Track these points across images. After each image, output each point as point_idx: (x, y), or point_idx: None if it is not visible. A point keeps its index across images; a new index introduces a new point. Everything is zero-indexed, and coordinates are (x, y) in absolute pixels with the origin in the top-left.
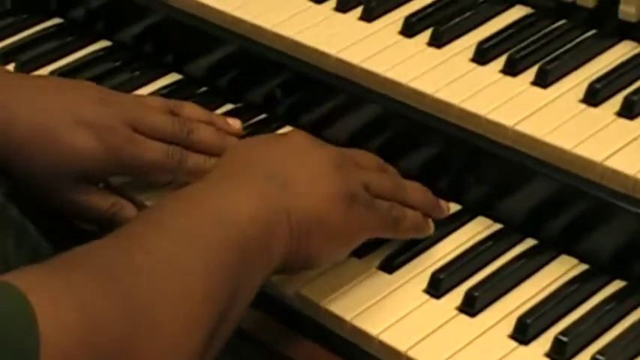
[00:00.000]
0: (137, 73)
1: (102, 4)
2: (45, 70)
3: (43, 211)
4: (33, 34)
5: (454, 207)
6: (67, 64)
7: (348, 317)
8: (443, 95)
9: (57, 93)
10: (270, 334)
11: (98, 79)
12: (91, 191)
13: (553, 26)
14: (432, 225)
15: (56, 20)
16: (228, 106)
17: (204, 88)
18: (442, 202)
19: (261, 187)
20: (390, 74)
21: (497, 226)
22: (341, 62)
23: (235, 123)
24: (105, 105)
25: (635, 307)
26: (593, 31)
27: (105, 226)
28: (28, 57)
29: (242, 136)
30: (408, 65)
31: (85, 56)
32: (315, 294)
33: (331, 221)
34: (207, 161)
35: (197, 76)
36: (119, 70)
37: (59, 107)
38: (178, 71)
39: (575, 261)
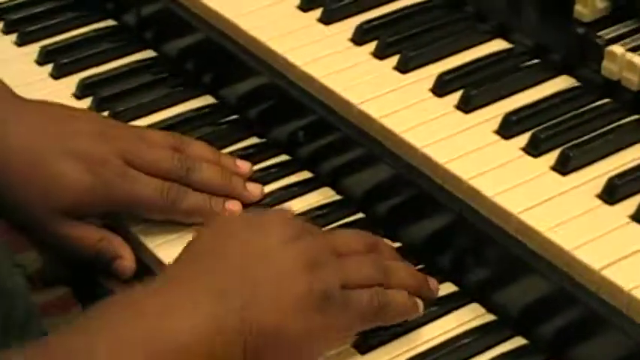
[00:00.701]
0: (174, 89)
1: (152, 13)
2: (84, 74)
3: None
4: (83, 33)
5: (449, 288)
6: (107, 71)
7: None
8: (454, 167)
9: (55, 123)
10: None
11: (135, 90)
12: (77, 225)
13: (592, 105)
14: (420, 305)
15: (110, 22)
16: (254, 140)
17: (234, 117)
18: (432, 282)
19: (213, 301)
20: (408, 135)
21: (490, 317)
22: (362, 114)
23: (244, 166)
24: (101, 138)
25: None
26: (634, 117)
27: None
28: (70, 57)
29: (254, 179)
30: (429, 127)
31: (128, 64)
32: None
33: (292, 334)
34: (208, 201)
35: (230, 103)
36: (158, 84)
37: (53, 137)
38: (214, 94)
39: None
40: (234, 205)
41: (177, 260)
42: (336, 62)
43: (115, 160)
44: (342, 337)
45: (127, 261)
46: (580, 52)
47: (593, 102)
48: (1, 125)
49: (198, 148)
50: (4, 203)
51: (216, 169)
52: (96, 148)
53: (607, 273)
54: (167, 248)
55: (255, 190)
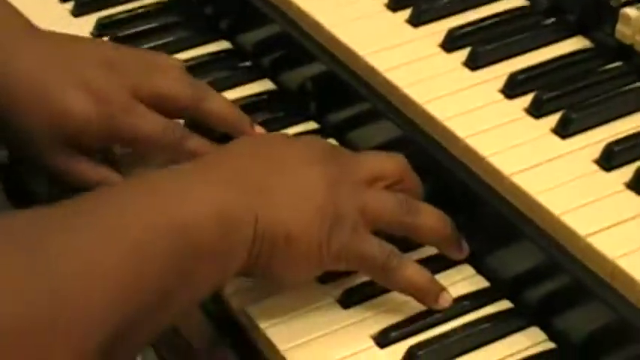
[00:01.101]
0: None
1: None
2: (102, 14)
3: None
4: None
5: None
6: (125, 11)
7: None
8: (452, 124)
9: (64, 51)
10: None
11: (151, 32)
12: (80, 159)
13: (602, 68)
14: (446, 298)
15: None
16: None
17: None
18: (463, 243)
19: (233, 190)
20: (411, 91)
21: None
22: (368, 67)
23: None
24: (110, 68)
25: None
26: None
27: None
28: None
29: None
30: (433, 83)
31: (146, 5)
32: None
33: (303, 240)
34: (211, 145)
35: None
36: (175, 26)
37: (61, 66)
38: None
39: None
40: None
41: (204, 156)
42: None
43: (120, 92)
44: (338, 267)
45: None
46: (595, 13)
47: (604, 65)
48: (10, 51)
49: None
50: (7, 129)
51: (230, 103)
52: (103, 79)
53: (593, 240)
54: None
55: (261, 130)
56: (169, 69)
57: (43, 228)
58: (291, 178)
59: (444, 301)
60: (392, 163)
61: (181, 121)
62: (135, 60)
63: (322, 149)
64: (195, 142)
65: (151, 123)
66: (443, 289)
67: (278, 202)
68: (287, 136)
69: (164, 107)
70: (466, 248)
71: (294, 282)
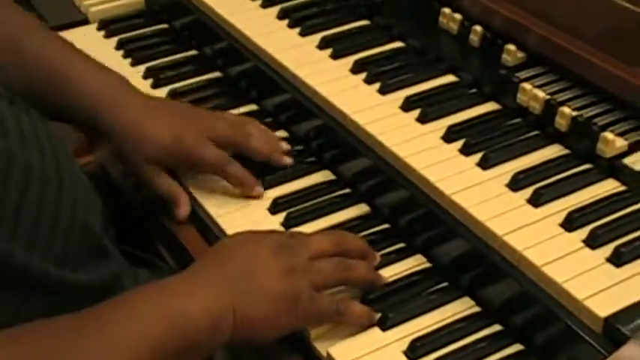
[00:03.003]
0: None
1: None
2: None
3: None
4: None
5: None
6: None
7: None
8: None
9: (153, 105)
10: None
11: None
12: (159, 174)
13: (509, 122)
14: (374, 317)
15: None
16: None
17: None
18: (379, 277)
19: (219, 291)
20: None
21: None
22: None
23: (284, 144)
24: (186, 115)
25: None
26: (535, 132)
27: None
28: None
29: None
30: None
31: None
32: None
33: (272, 318)
34: (244, 173)
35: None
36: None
37: (153, 112)
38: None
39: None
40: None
41: (198, 260)
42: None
43: (194, 129)
44: (308, 324)
45: (184, 210)
46: (503, 86)
47: (510, 120)
48: (117, 105)
49: (254, 126)
50: (121, 157)
51: (265, 141)
52: (180, 119)
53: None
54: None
55: (287, 160)
56: (226, 118)
57: (60, 334)
58: (259, 268)
59: (374, 320)
60: (328, 240)
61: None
62: (207, 113)
63: (278, 242)
64: (235, 169)
65: (210, 152)
66: (373, 314)
67: (251, 290)
68: (260, 232)
69: (221, 143)
70: (381, 280)
71: (270, 341)
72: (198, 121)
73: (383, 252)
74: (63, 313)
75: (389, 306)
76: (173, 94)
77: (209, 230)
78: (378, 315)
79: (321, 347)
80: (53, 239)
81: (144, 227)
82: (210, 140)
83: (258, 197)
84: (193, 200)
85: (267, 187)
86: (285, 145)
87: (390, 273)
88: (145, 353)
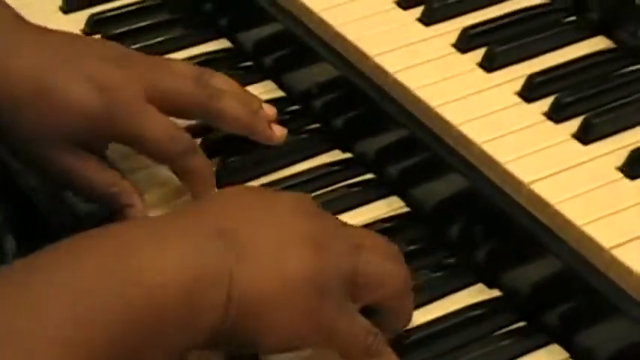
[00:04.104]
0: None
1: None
2: (94, 10)
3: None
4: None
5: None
6: (118, 7)
7: None
8: (467, 129)
9: (65, 44)
10: None
11: (147, 29)
12: (88, 160)
13: (625, 70)
14: None
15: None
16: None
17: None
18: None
19: (207, 248)
20: (423, 92)
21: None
22: (378, 67)
23: (270, 109)
24: (117, 63)
25: None
26: None
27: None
28: None
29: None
30: (448, 85)
31: (140, 1)
32: None
33: (284, 311)
34: (210, 168)
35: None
36: (172, 24)
37: (62, 60)
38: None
39: None
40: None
41: (184, 206)
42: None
43: (130, 87)
44: (318, 344)
45: (138, 209)
46: (618, 12)
47: (628, 67)
48: (6, 46)
49: (223, 80)
50: (8, 129)
51: (241, 101)
52: (110, 72)
53: (617, 252)
54: None
55: (279, 131)
56: (180, 68)
57: None
58: (276, 232)
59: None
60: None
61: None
62: (144, 57)
63: (311, 204)
64: (197, 160)
65: (159, 128)
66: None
67: (259, 263)
68: (274, 190)
69: (174, 107)
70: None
71: (272, 351)
72: (133, 70)
73: None
74: None
75: None
76: (96, 20)
77: None
78: None
79: None
80: None
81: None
82: (156, 104)
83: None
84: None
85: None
86: (270, 110)
87: None
88: (74, 348)
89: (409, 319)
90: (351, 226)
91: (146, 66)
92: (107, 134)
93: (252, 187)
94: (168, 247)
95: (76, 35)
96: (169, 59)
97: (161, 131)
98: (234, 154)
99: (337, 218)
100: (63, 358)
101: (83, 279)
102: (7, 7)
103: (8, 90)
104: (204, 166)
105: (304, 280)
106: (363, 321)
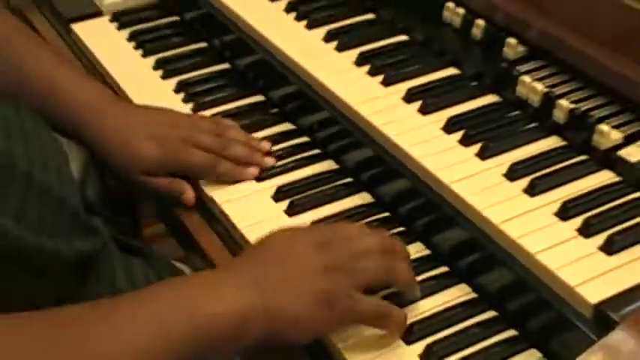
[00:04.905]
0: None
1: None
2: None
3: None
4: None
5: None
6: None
7: None
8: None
9: (141, 115)
10: None
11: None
12: (153, 179)
13: (509, 114)
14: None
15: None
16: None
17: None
18: (416, 289)
19: (248, 291)
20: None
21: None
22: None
23: (265, 144)
24: (170, 126)
25: None
26: (534, 124)
27: (166, 199)
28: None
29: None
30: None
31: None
32: None
33: (308, 319)
34: (235, 169)
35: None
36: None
37: (139, 124)
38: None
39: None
40: (254, 170)
41: (235, 257)
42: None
43: (177, 140)
44: (342, 326)
45: (190, 195)
46: (503, 79)
47: (509, 112)
48: (104, 114)
49: (234, 132)
50: (106, 165)
51: (244, 148)
52: (166, 132)
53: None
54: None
55: (269, 160)
56: (206, 127)
57: (88, 319)
58: (297, 265)
59: (417, 291)
60: (374, 239)
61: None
62: (188, 121)
63: (319, 238)
64: (225, 167)
65: (196, 156)
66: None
67: (284, 296)
68: (296, 227)
69: (204, 149)
70: (417, 290)
71: (304, 342)
72: (180, 131)
73: None
74: (40, 284)
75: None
76: (182, 85)
77: (214, 218)
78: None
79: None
80: (25, 205)
81: (139, 219)
82: (195, 147)
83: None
84: (199, 189)
85: (272, 176)
86: (266, 145)
87: None
88: (156, 353)
89: (409, 282)
90: (351, 236)
91: (186, 125)
92: (168, 168)
93: (284, 232)
94: (225, 294)
95: (147, 106)
96: (201, 119)
97: (198, 157)
98: None
99: (346, 235)
100: (153, 348)
101: (161, 318)
102: (105, 87)
103: (103, 144)
104: (230, 167)
105: (316, 294)
106: (369, 299)
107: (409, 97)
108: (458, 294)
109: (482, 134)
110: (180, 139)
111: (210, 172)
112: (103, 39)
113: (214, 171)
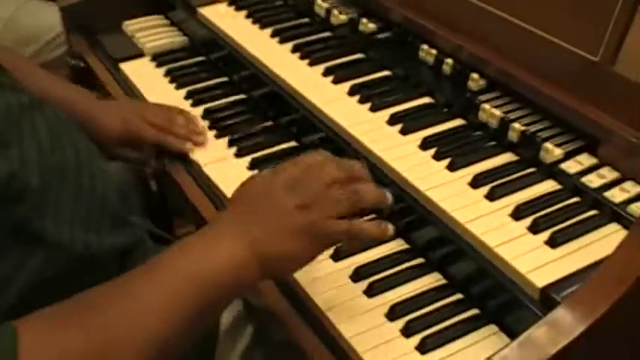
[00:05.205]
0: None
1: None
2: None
3: None
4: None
5: None
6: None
7: None
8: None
9: (115, 105)
10: None
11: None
12: (128, 150)
13: (472, 134)
14: (390, 228)
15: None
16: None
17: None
18: (388, 195)
19: (236, 240)
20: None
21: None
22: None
23: (200, 124)
24: (136, 111)
25: None
26: (492, 142)
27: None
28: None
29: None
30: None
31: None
32: None
33: (293, 253)
34: (178, 143)
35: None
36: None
37: (113, 111)
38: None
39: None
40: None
41: (219, 212)
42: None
43: (138, 119)
44: (326, 248)
45: (152, 164)
46: (468, 106)
47: (473, 132)
48: (92, 108)
49: (180, 117)
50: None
51: (185, 128)
52: (130, 114)
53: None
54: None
55: (201, 138)
56: (154, 107)
57: (99, 300)
58: (275, 208)
59: (388, 231)
60: (338, 169)
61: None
62: (147, 107)
63: (291, 178)
64: (171, 140)
65: (149, 131)
66: (387, 226)
67: (269, 236)
68: (268, 175)
69: (155, 126)
70: (389, 198)
71: (305, 264)
72: (137, 112)
73: None
74: (89, 276)
75: (373, 274)
76: (207, 111)
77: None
78: (390, 226)
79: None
80: (77, 205)
81: (168, 214)
82: (149, 124)
83: (203, 144)
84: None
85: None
86: (201, 125)
87: (376, 252)
88: (175, 308)
89: (377, 198)
90: (320, 171)
91: (146, 110)
92: (129, 139)
93: (258, 177)
94: (221, 251)
95: (125, 98)
96: (156, 105)
97: (150, 132)
98: None
99: (315, 171)
100: (170, 304)
101: (171, 281)
102: (85, 90)
103: (94, 125)
104: (179, 143)
105: (296, 229)
106: (338, 221)
107: (392, 120)
108: (431, 280)
109: (451, 151)
110: (141, 119)
111: (162, 142)
112: (144, 75)
113: (166, 140)
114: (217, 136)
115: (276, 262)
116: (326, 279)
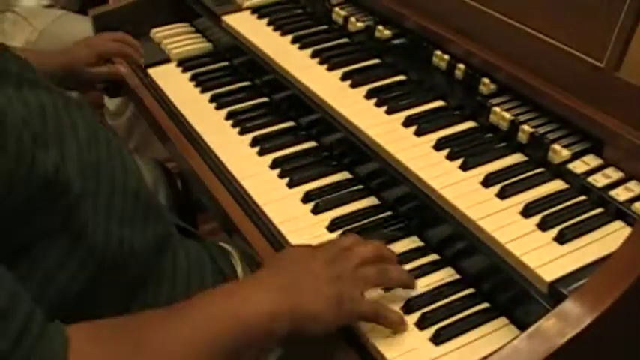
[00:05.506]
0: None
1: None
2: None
3: None
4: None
5: None
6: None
7: None
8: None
9: (79, 46)
10: None
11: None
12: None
13: (484, 136)
14: (404, 321)
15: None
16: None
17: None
18: (412, 279)
19: (274, 296)
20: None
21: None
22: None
23: (134, 42)
24: (87, 45)
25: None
26: (503, 144)
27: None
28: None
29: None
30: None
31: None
32: None
33: (321, 315)
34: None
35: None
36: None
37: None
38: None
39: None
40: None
41: (260, 269)
42: None
43: (90, 52)
44: (349, 322)
45: (122, 69)
46: (480, 109)
47: (484, 135)
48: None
49: (124, 45)
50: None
51: (124, 52)
52: (78, 49)
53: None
54: None
55: (137, 55)
56: (95, 40)
57: (149, 323)
58: (312, 276)
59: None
60: (369, 249)
61: None
62: (101, 42)
63: (329, 256)
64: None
65: (110, 45)
66: (405, 320)
67: (305, 297)
68: (309, 250)
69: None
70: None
71: (325, 332)
72: (80, 52)
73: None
74: (125, 272)
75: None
76: (231, 114)
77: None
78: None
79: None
80: (113, 201)
81: (193, 210)
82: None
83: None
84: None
85: (300, 183)
86: (134, 42)
87: (392, 248)
88: (208, 347)
89: (401, 279)
90: (353, 252)
91: (100, 43)
92: (74, 74)
93: (300, 249)
94: (259, 301)
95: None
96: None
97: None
98: None
99: (349, 251)
100: (202, 347)
101: (210, 322)
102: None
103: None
104: (115, 68)
105: (328, 295)
106: (368, 302)
107: (407, 122)
108: (445, 275)
109: (464, 152)
110: (95, 54)
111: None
112: (171, 80)
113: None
114: (240, 135)
115: (306, 320)
116: None
